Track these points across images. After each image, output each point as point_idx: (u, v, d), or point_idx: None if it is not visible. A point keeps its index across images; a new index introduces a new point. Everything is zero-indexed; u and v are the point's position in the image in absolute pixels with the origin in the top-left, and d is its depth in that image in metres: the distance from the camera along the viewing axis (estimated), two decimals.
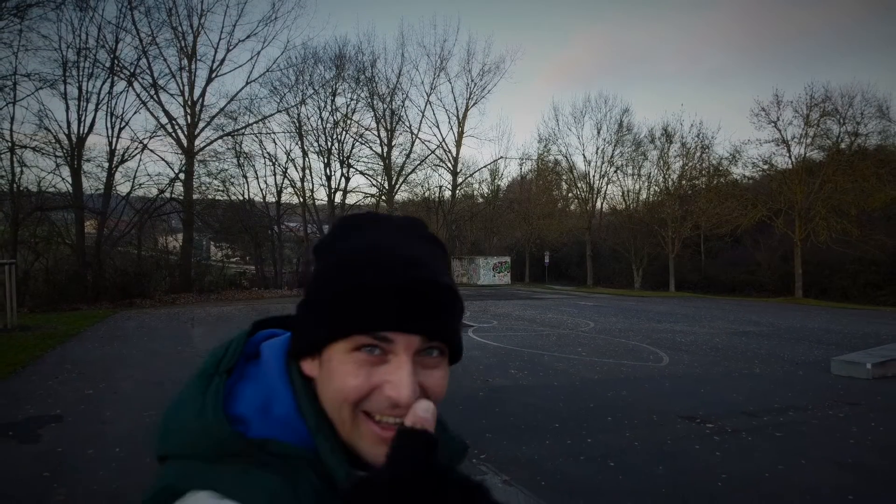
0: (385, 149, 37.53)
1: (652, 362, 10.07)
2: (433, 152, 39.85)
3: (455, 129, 40.85)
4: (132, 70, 27.03)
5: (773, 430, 6.10)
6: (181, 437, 0.64)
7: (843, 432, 6.05)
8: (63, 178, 25.29)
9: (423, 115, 39.86)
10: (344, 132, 35.45)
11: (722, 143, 63.85)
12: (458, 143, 40.82)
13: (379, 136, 37.32)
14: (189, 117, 29.66)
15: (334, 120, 34.89)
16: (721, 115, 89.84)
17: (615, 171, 38.64)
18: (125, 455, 5.19)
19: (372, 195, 38.57)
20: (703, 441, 5.67)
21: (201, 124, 29.93)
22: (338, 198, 35.85)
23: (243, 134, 31.72)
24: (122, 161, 26.94)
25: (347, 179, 36.13)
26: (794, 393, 7.83)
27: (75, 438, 5.71)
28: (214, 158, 31.06)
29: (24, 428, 6.12)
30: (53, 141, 24.52)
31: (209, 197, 31.29)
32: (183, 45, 29.16)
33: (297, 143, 34.79)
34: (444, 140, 40.65)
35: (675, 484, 4.56)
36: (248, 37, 33.66)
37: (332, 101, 34.58)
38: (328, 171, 35.33)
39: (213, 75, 30.05)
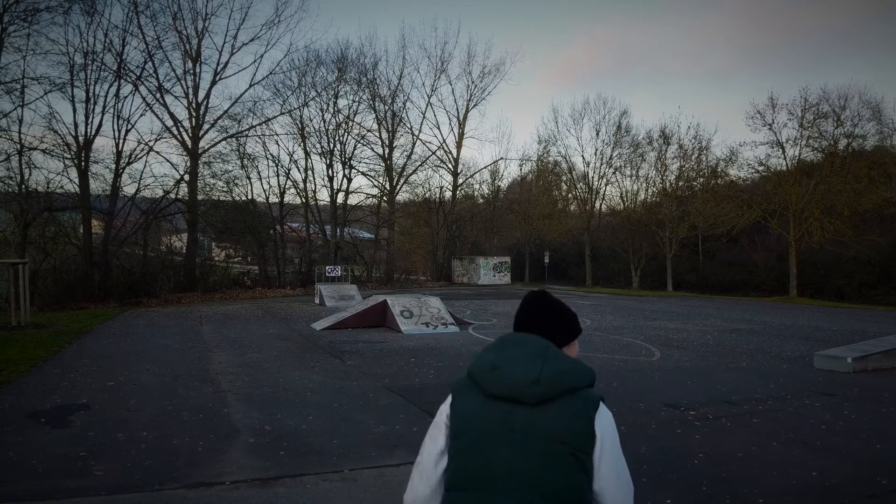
0: (386, 150, 38.03)
1: (644, 357, 10.54)
2: (434, 153, 40.37)
3: (455, 131, 41.39)
4: (138, 73, 27.56)
5: (750, 416, 6.57)
6: (590, 379, 1.60)
7: (816, 419, 6.51)
8: (71, 180, 25.81)
9: (423, 117, 40.41)
10: (346, 133, 35.97)
11: (719, 144, 64.30)
12: (459, 145, 41.33)
13: (380, 138, 37.84)
14: (193, 119, 30.17)
15: (336, 121, 35.42)
16: (721, 115, 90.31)
17: (614, 173, 39.11)
18: (153, 438, 5.66)
19: (374, 196, 39.08)
20: (684, 426, 6.13)
21: (205, 126, 30.45)
22: (340, 198, 36.36)
23: (247, 136, 32.27)
24: (129, 163, 27.43)
25: (349, 180, 36.65)
26: (776, 385, 8.28)
27: (104, 424, 6.17)
28: (218, 160, 31.61)
29: (54, 415, 6.57)
30: (61, 143, 25.00)
31: (213, 198, 31.79)
32: (187, 48, 29.70)
33: (299, 145, 35.34)
34: (444, 141, 41.20)
35: (655, 461, 5.03)
36: (252, 40, 34.32)
37: (335, 102, 35.11)
38: (330, 171, 35.85)
39: (217, 78, 30.60)
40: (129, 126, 27.06)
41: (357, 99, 36.15)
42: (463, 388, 1.67)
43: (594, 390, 1.62)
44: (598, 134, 38.87)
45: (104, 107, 25.83)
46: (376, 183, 39.17)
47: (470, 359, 10.20)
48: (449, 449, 1.62)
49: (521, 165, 46.31)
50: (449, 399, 1.69)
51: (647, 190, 38.02)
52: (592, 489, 1.54)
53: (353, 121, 36.12)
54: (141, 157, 28.05)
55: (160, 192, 28.89)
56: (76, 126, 25.16)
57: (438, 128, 58.94)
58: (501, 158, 49.47)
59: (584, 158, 51.05)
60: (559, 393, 1.55)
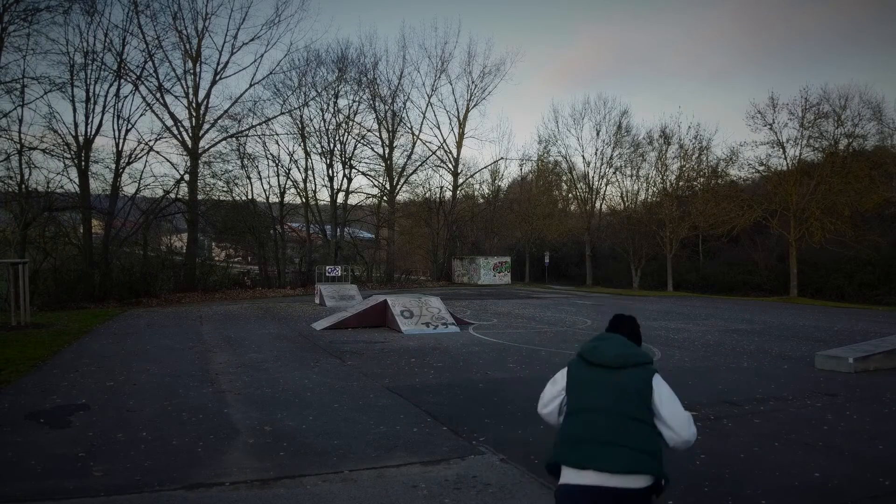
0: (387, 150, 38.02)
1: None
2: (434, 153, 40.35)
3: (456, 131, 41.38)
4: (138, 73, 27.56)
5: (752, 417, 6.54)
6: (647, 358, 2.66)
7: (818, 420, 6.48)
8: (71, 180, 25.79)
9: (424, 117, 40.40)
10: (346, 133, 35.96)
11: (720, 144, 64.31)
12: (459, 144, 41.32)
13: (381, 138, 37.83)
14: (194, 119, 30.15)
15: (336, 121, 35.41)
16: (722, 115, 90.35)
17: (614, 173, 39.08)
18: (153, 438, 5.64)
19: (374, 196, 39.06)
20: None
21: (206, 126, 30.45)
22: (340, 198, 36.34)
23: (247, 135, 32.26)
24: (129, 162, 27.42)
25: (349, 180, 36.64)
26: (777, 385, 8.26)
27: (104, 424, 6.15)
28: (218, 160, 31.62)
29: (53, 415, 6.55)
30: (61, 143, 24.98)
31: (213, 197, 31.78)
32: (188, 48, 29.69)
33: (299, 145, 35.34)
34: (444, 141, 41.18)
35: None
36: (252, 40, 34.26)
37: (335, 102, 35.11)
38: (330, 171, 35.84)
39: (218, 78, 30.59)
40: (129, 126, 27.09)
41: (357, 99, 36.18)
42: (574, 362, 2.81)
43: (652, 366, 2.69)
44: (598, 134, 38.88)
45: (104, 106, 25.86)
46: (376, 183, 39.18)
47: (469, 357, 10.25)
48: (565, 390, 2.76)
49: (521, 165, 46.34)
50: (566, 368, 2.83)
51: (647, 190, 38.02)
52: (655, 416, 2.58)
53: (354, 121, 36.14)
54: (141, 157, 28.07)
55: (160, 192, 28.90)
56: (76, 126, 25.17)
57: (439, 128, 58.81)
58: (502, 158, 49.44)
59: (584, 158, 51.07)
60: (630, 364, 2.64)
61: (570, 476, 2.58)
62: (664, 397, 2.60)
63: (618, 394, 2.58)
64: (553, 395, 2.84)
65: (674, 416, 2.59)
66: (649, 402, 2.59)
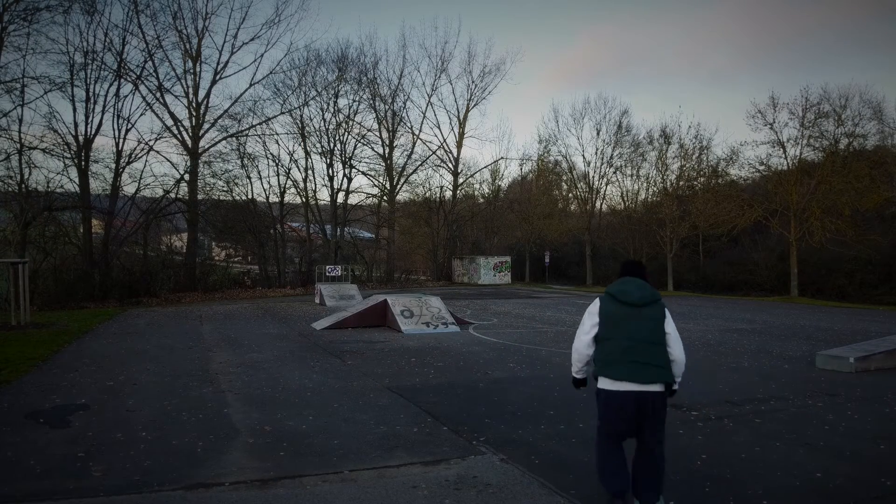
0: (387, 149, 38.03)
1: None
2: (434, 153, 40.36)
3: (456, 130, 41.39)
4: (138, 73, 27.60)
5: (753, 417, 6.53)
6: (659, 296, 3.95)
7: (819, 419, 6.47)
8: (71, 179, 25.84)
9: (424, 116, 40.45)
10: (346, 133, 35.97)
11: (720, 144, 64.25)
12: (459, 144, 41.32)
13: (381, 137, 37.84)
14: (194, 119, 30.17)
15: (336, 121, 35.42)
16: (722, 115, 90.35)
17: (614, 172, 39.07)
18: (153, 438, 5.63)
19: (374, 195, 39.05)
20: (686, 426, 6.10)
21: (206, 126, 30.48)
22: (340, 198, 36.33)
23: (247, 135, 32.27)
24: (129, 162, 27.44)
25: (349, 180, 36.65)
26: (778, 385, 8.24)
27: (103, 424, 6.13)
28: (219, 159, 31.64)
29: (52, 415, 6.54)
30: (61, 142, 25.03)
31: (213, 197, 31.79)
32: (188, 47, 29.72)
33: (299, 144, 35.36)
34: (445, 141, 41.19)
35: None
36: (252, 39, 34.47)
37: (335, 102, 35.12)
38: (331, 171, 35.85)
39: (218, 77, 30.62)
40: (129, 125, 27.15)
41: (357, 98, 36.20)
42: (605, 299, 3.92)
43: (661, 301, 3.87)
44: (598, 133, 38.87)
45: (104, 106, 25.90)
46: (376, 182, 39.19)
47: (469, 356, 10.24)
48: (598, 324, 3.88)
49: (521, 165, 46.35)
50: (597, 303, 3.94)
51: (647, 189, 38.05)
52: (665, 336, 3.79)
53: (354, 120, 36.15)
54: (141, 157, 28.11)
55: (160, 192, 28.95)
56: (76, 125, 25.20)
57: (439, 127, 58.95)
58: (502, 158, 49.47)
59: (584, 158, 51.24)
60: (651, 301, 3.82)
61: (608, 384, 3.82)
62: (670, 324, 3.84)
63: (643, 325, 3.76)
64: (592, 323, 3.92)
65: (674, 339, 3.83)
66: (663, 326, 3.78)
